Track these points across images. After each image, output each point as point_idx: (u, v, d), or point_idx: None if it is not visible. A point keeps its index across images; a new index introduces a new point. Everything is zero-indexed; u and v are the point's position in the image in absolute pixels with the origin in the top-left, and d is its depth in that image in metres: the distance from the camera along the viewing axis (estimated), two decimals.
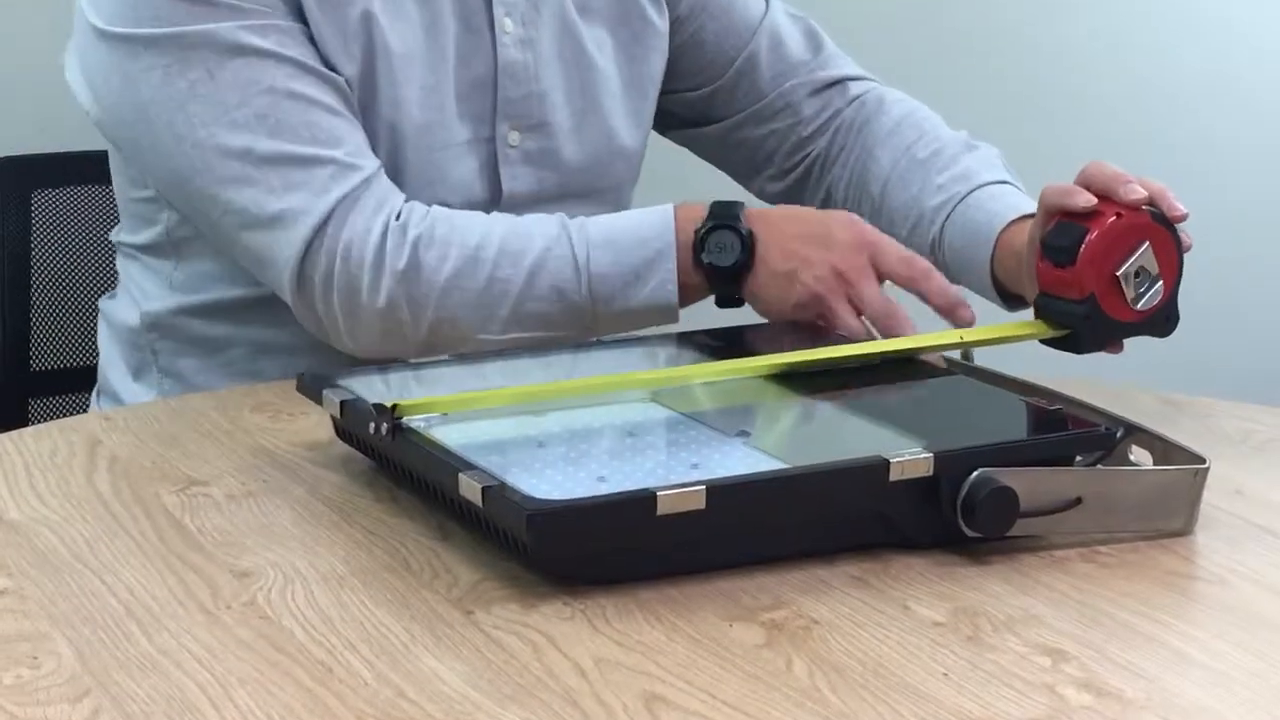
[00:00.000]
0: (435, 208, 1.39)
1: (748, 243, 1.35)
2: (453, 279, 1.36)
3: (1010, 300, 1.43)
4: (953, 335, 1.28)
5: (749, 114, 1.61)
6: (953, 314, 1.31)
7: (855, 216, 1.37)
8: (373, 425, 1.10)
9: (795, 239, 1.35)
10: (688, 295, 1.38)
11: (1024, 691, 0.88)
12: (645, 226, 1.37)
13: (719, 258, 1.36)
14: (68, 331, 1.78)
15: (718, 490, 1.00)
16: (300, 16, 1.39)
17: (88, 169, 1.73)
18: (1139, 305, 1.26)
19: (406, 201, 1.39)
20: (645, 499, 0.98)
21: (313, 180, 1.36)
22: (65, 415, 1.70)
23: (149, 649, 0.93)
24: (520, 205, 1.47)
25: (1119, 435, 1.12)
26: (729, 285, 1.37)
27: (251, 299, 1.46)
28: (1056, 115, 2.64)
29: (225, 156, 1.36)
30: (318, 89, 1.37)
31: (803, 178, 1.61)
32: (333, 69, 1.39)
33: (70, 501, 1.14)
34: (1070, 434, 1.11)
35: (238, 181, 1.36)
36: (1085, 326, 1.26)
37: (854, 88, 1.60)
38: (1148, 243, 1.25)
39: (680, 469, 1.08)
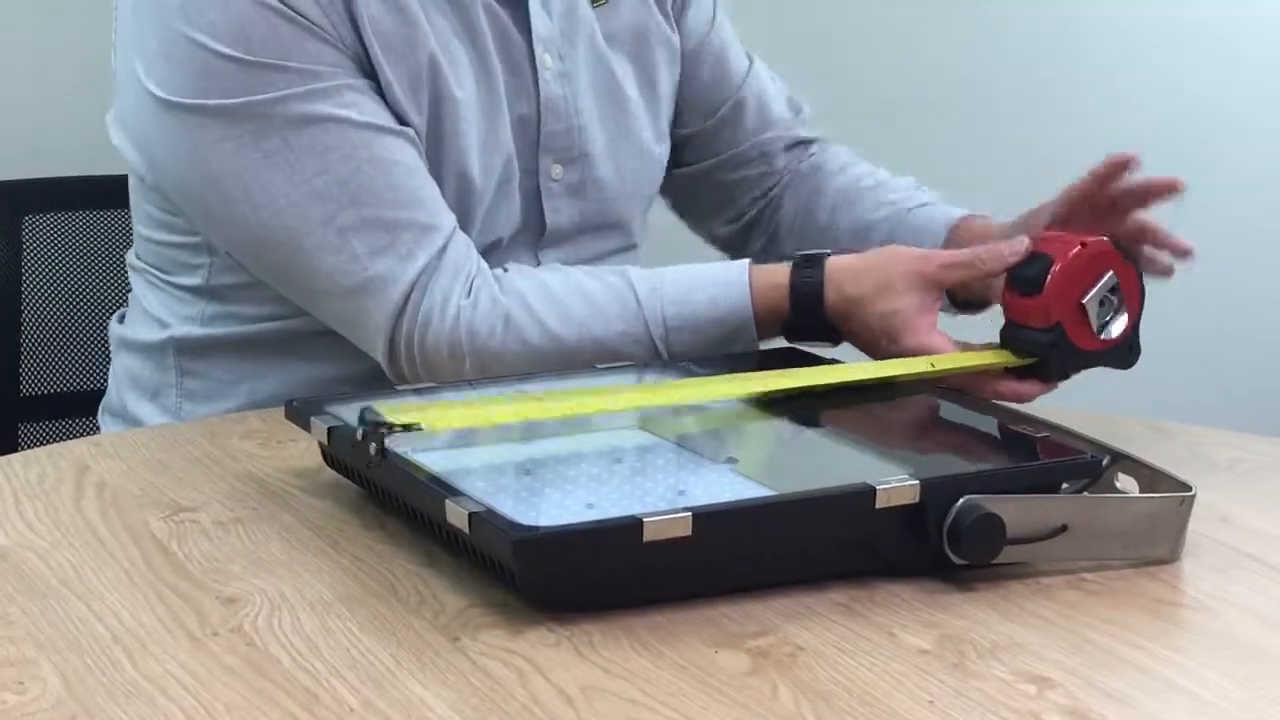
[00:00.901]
0: (511, 275, 1.39)
1: (820, 313, 1.35)
2: (531, 364, 1.36)
3: (958, 305, 1.46)
4: (922, 363, 1.28)
5: (725, 158, 1.64)
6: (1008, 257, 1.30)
7: (900, 252, 1.36)
8: (359, 434, 1.09)
9: (874, 319, 1.33)
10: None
11: (1009, 719, 0.88)
12: (722, 304, 1.37)
13: (798, 336, 1.37)
14: (58, 357, 1.78)
15: (704, 517, 1.00)
16: (369, 70, 1.39)
17: (79, 194, 1.74)
18: (1103, 334, 1.29)
19: (478, 260, 1.39)
20: (632, 526, 0.98)
21: (398, 245, 1.36)
22: (55, 441, 1.69)
23: (135, 675, 0.93)
24: (563, 237, 1.50)
25: (1105, 463, 1.13)
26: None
27: (290, 332, 1.46)
28: (1053, 121, 2.65)
29: (309, 225, 1.36)
30: (395, 148, 1.37)
31: (754, 221, 1.66)
32: (403, 120, 1.39)
33: (58, 528, 1.14)
34: (1056, 462, 1.11)
35: (322, 250, 1.36)
36: (1052, 354, 1.29)
37: (815, 146, 1.66)
38: (1112, 271, 1.28)
39: (667, 495, 1.08)
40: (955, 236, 1.51)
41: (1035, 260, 1.29)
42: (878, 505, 1.03)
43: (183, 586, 1.05)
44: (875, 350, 1.34)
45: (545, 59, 1.47)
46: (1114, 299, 1.29)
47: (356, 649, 0.96)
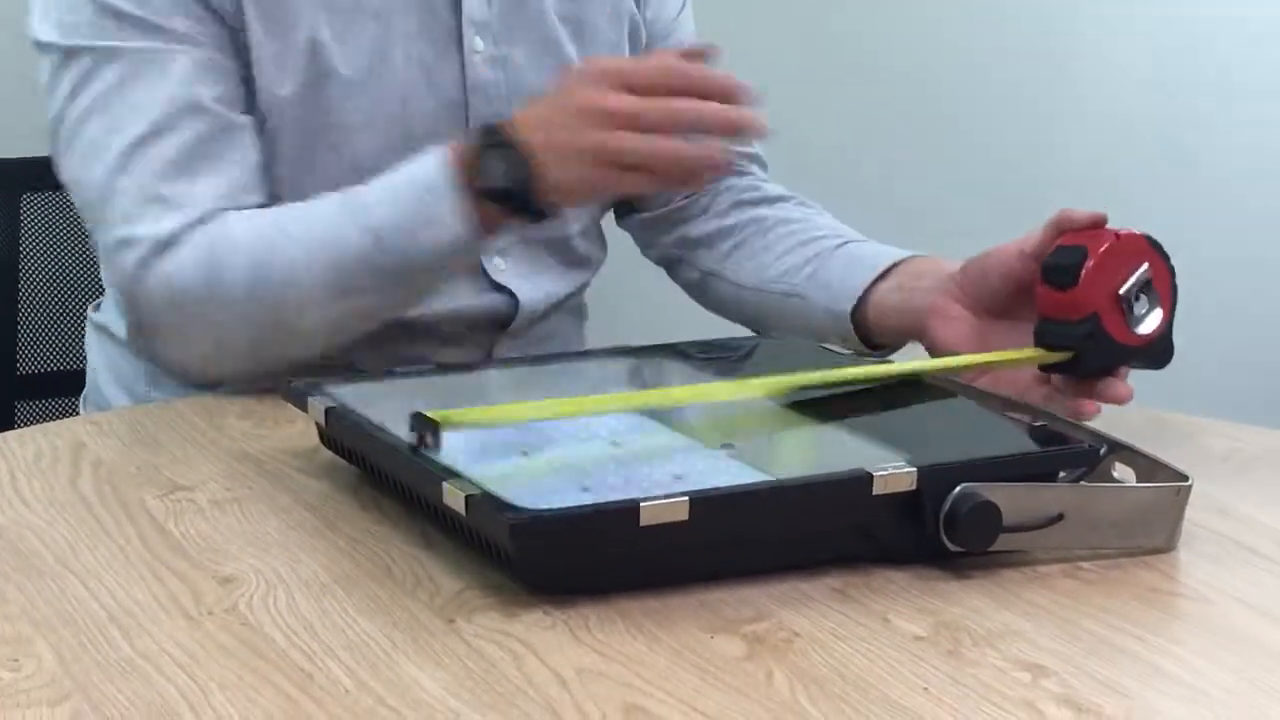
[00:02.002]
0: (214, 223, 1.35)
1: (513, 158, 1.28)
2: (252, 268, 1.33)
3: (873, 347, 1.46)
4: (952, 362, 1.27)
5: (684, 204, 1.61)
6: (733, 92, 1.25)
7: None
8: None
9: (545, 107, 1.29)
10: (489, 226, 1.32)
11: (1003, 706, 0.89)
12: (417, 169, 1.32)
13: (494, 177, 1.29)
14: (55, 335, 1.79)
15: (700, 502, 1.00)
16: (234, 48, 1.38)
17: None
18: (1139, 329, 1.26)
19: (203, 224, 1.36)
20: (629, 510, 0.98)
21: (161, 213, 1.34)
22: (52, 419, 1.69)
23: (130, 653, 0.93)
24: None
25: (1103, 452, 1.13)
26: (525, 205, 1.30)
27: None
28: (1050, 124, 2.65)
29: (99, 174, 1.36)
30: (203, 124, 1.36)
31: (683, 219, 1.63)
32: (268, 91, 1.39)
33: (54, 506, 1.14)
34: (1054, 450, 1.11)
35: (106, 203, 1.36)
36: (1088, 346, 1.26)
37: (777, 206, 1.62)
38: (1147, 265, 1.26)
39: (664, 481, 1.08)
40: (901, 273, 1.45)
41: (1069, 252, 1.26)
42: (874, 491, 1.03)
43: (178, 565, 1.05)
44: (569, 173, 1.28)
45: (475, 42, 1.45)
46: (1149, 294, 1.27)
47: (352, 630, 0.96)
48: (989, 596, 1.02)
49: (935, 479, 1.04)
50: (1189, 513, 1.11)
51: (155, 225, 1.33)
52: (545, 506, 1.00)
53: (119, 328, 1.52)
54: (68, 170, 1.40)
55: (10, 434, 1.29)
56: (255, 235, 1.33)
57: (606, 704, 0.88)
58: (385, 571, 1.04)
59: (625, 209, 1.65)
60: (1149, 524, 1.09)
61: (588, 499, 1.04)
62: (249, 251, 1.33)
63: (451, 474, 1.03)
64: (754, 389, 1.21)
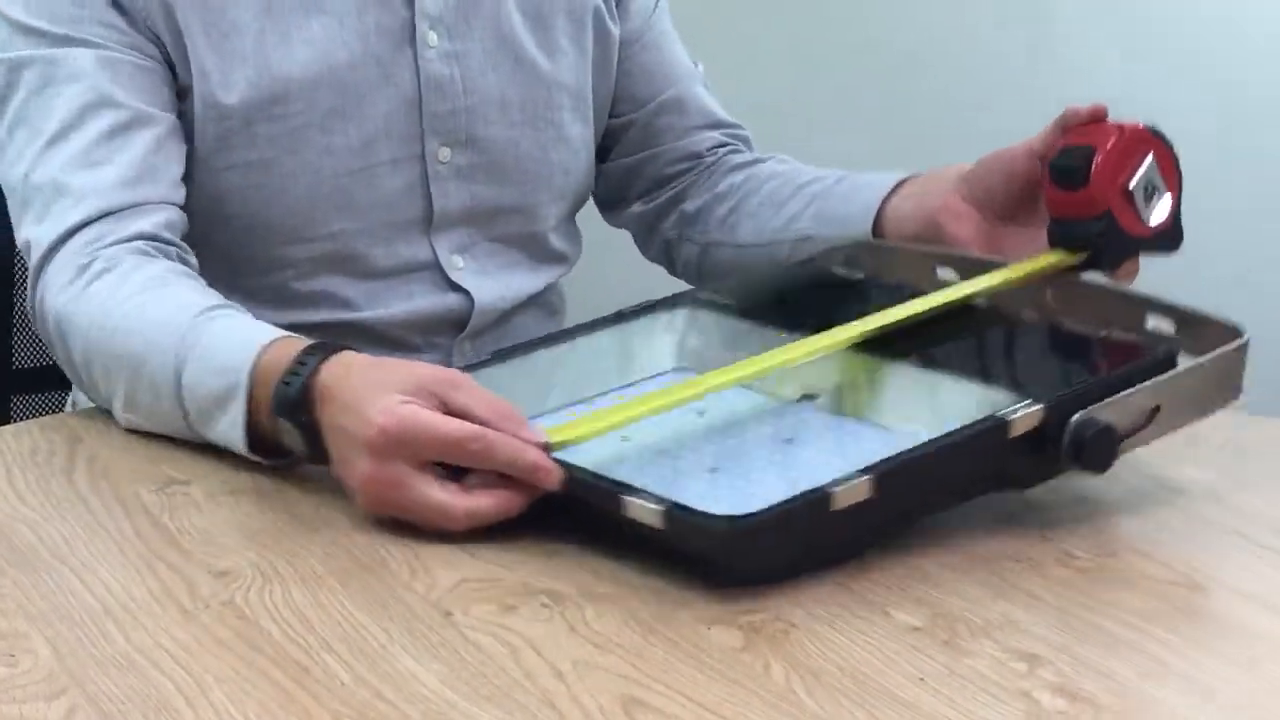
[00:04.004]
0: (126, 261, 1.29)
1: (310, 436, 1.13)
2: (85, 350, 1.27)
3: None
4: (985, 280, 1.27)
5: (666, 150, 1.60)
6: (534, 478, 1.07)
7: (391, 387, 1.09)
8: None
9: (336, 434, 1.11)
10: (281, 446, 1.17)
11: (999, 697, 0.89)
12: (233, 353, 1.18)
13: (292, 444, 1.15)
14: None
15: (882, 477, 1.02)
16: (161, 48, 1.36)
17: None
18: (1150, 219, 1.28)
19: (130, 241, 1.30)
20: (821, 498, 1.01)
21: (59, 209, 1.31)
22: (47, 413, 1.69)
23: (126, 647, 0.93)
24: (454, 221, 1.45)
25: (1178, 352, 1.16)
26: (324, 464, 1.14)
27: None
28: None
29: (16, 178, 1.35)
30: (107, 117, 1.33)
31: (679, 197, 1.61)
32: (213, 99, 1.36)
33: (49, 500, 1.14)
34: (1144, 363, 1.14)
35: (21, 207, 1.35)
36: (1104, 244, 1.28)
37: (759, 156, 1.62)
38: (1152, 155, 1.28)
39: (781, 447, 1.13)
40: (907, 186, 1.45)
41: (1075, 151, 1.27)
42: (1010, 435, 1.06)
43: (174, 559, 1.05)
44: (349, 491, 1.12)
45: (429, 36, 1.42)
46: (1156, 182, 1.28)
47: (348, 623, 0.96)
48: (985, 587, 1.02)
49: (1059, 412, 1.07)
50: (1184, 501, 1.11)
51: (53, 225, 1.31)
52: (744, 511, 1.00)
53: None
54: (4, 184, 1.39)
55: (6, 428, 1.28)
56: (100, 314, 1.26)
57: (603, 696, 0.88)
58: (381, 564, 1.04)
59: (619, 206, 1.64)
60: (1222, 386, 1.14)
61: (724, 482, 1.08)
62: (86, 332, 1.27)
63: (625, 487, 1.04)
64: (840, 341, 1.21)
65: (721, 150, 1.61)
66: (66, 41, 1.34)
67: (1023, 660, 0.93)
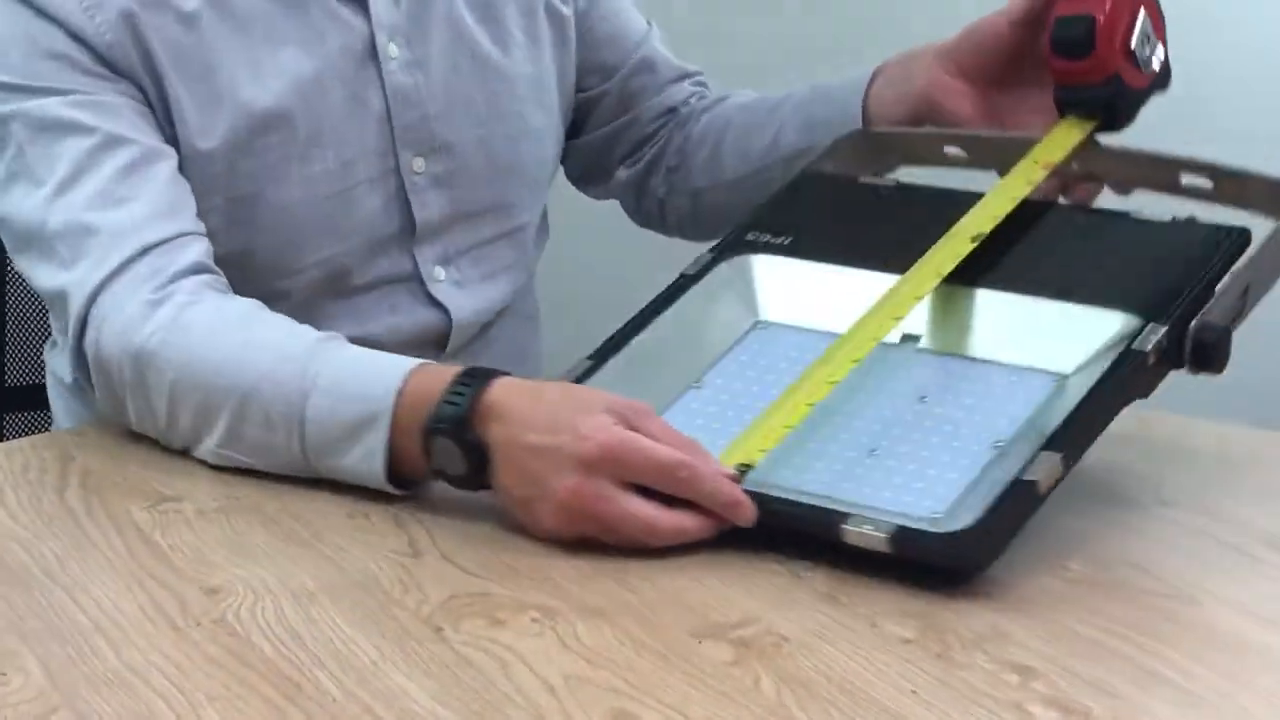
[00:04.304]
0: (206, 293, 1.26)
1: (474, 455, 1.11)
2: (175, 386, 1.23)
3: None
4: (1027, 173, 1.27)
5: (631, 118, 1.60)
6: (729, 514, 1.08)
7: (596, 407, 1.10)
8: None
9: (528, 452, 1.09)
10: (420, 476, 1.16)
11: (991, 709, 0.88)
12: (371, 382, 1.17)
13: (447, 465, 1.13)
14: (43, 348, 1.78)
15: (1069, 452, 1.06)
16: (145, 94, 1.34)
17: None
18: (1149, 69, 1.30)
19: (191, 274, 1.28)
20: (1028, 488, 1.04)
21: (92, 250, 1.28)
22: (40, 431, 1.69)
23: (117, 665, 0.93)
24: (437, 230, 1.45)
25: (1250, 232, 1.19)
26: (473, 489, 1.13)
27: None
28: None
29: (28, 229, 1.32)
30: (122, 155, 1.31)
31: (657, 156, 1.61)
32: (190, 145, 1.35)
33: (41, 518, 1.14)
34: (1230, 250, 1.17)
35: (42, 256, 1.31)
36: (1116, 105, 1.30)
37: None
38: (1143, 8, 1.30)
39: (920, 409, 1.14)
40: (886, 72, 1.45)
41: (1074, 21, 1.29)
42: (1149, 363, 1.11)
43: (165, 576, 1.04)
44: (524, 512, 1.11)
45: (390, 48, 1.41)
46: (1149, 33, 1.30)
47: (339, 639, 0.96)
48: (977, 598, 1.02)
49: (1178, 326, 1.12)
50: (1176, 513, 1.12)
51: (93, 267, 1.27)
52: (967, 522, 1.03)
53: (61, 371, 1.49)
54: (8, 238, 1.36)
55: None
56: (202, 347, 1.22)
57: (594, 710, 0.88)
58: (373, 580, 1.04)
59: (603, 177, 1.64)
60: None
61: (894, 467, 1.10)
62: (183, 367, 1.22)
63: (840, 513, 1.05)
64: (940, 270, 1.20)
65: (693, 99, 1.61)
66: (54, 93, 1.32)
67: (1015, 672, 0.92)
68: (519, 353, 1.56)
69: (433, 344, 1.47)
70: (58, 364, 1.51)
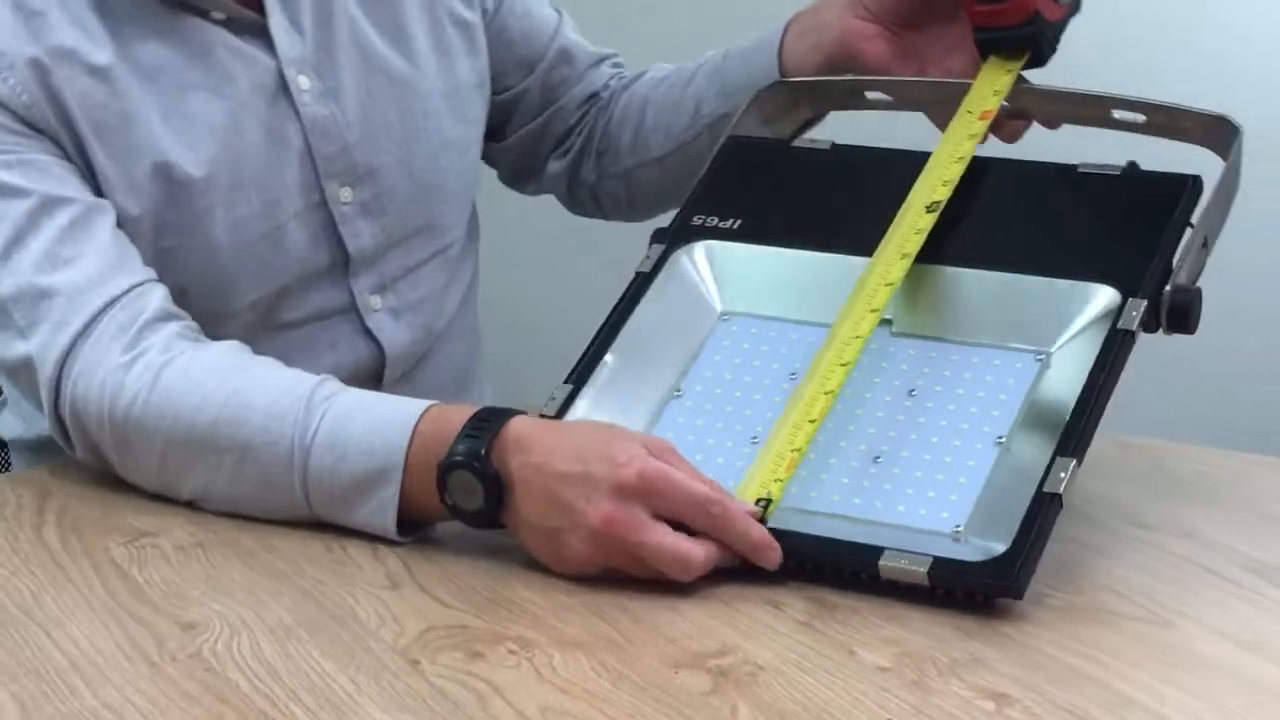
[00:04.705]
0: (177, 345, 1.24)
1: (493, 487, 1.10)
2: (166, 451, 1.21)
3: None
4: (966, 127, 1.26)
5: (558, 108, 1.60)
6: (756, 556, 1.08)
7: (628, 439, 1.10)
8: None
9: (558, 480, 1.08)
10: (431, 517, 1.16)
11: None
12: (378, 435, 1.15)
13: (463, 500, 1.11)
14: None
15: (1080, 448, 1.07)
16: (66, 152, 1.32)
17: None
18: (1062, 1, 1.31)
19: (158, 317, 1.26)
20: (1053, 500, 1.05)
21: (52, 313, 1.25)
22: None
23: (93, 703, 0.93)
24: (371, 259, 1.44)
25: (1202, 179, 1.19)
26: (485, 526, 1.12)
27: None
28: None
29: None
30: (62, 215, 1.28)
31: (587, 139, 1.61)
32: (114, 203, 1.32)
33: (18, 555, 1.14)
34: (1188, 201, 1.18)
35: None
36: (1040, 42, 1.30)
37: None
38: None
39: (910, 405, 1.14)
40: (796, 25, 1.44)
41: None
42: (1135, 340, 1.12)
43: (142, 612, 1.04)
44: (547, 544, 1.09)
45: (300, 81, 1.40)
46: None
47: (315, 673, 0.96)
48: (953, 625, 1.02)
49: (1154, 293, 1.13)
50: (1153, 536, 1.12)
51: (53, 332, 1.24)
52: (1000, 547, 1.04)
53: (16, 431, 1.49)
54: None
55: None
56: (187, 409, 1.20)
57: None
58: (349, 614, 1.04)
59: (535, 173, 1.64)
60: (1232, 188, 1.19)
61: (906, 477, 1.10)
62: (170, 431, 1.20)
63: (869, 547, 1.05)
64: (909, 250, 1.19)
65: (612, 81, 1.61)
66: None
67: (991, 699, 0.92)
68: (460, 373, 1.56)
69: (371, 376, 1.46)
70: (10, 428, 1.51)
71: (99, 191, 1.32)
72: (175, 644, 1.00)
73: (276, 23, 1.39)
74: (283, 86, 1.39)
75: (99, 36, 1.33)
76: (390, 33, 1.46)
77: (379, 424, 1.16)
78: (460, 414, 1.13)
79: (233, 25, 1.38)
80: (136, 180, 1.33)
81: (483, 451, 1.10)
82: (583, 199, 1.64)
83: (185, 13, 1.36)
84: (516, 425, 1.11)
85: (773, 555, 1.07)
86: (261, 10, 1.39)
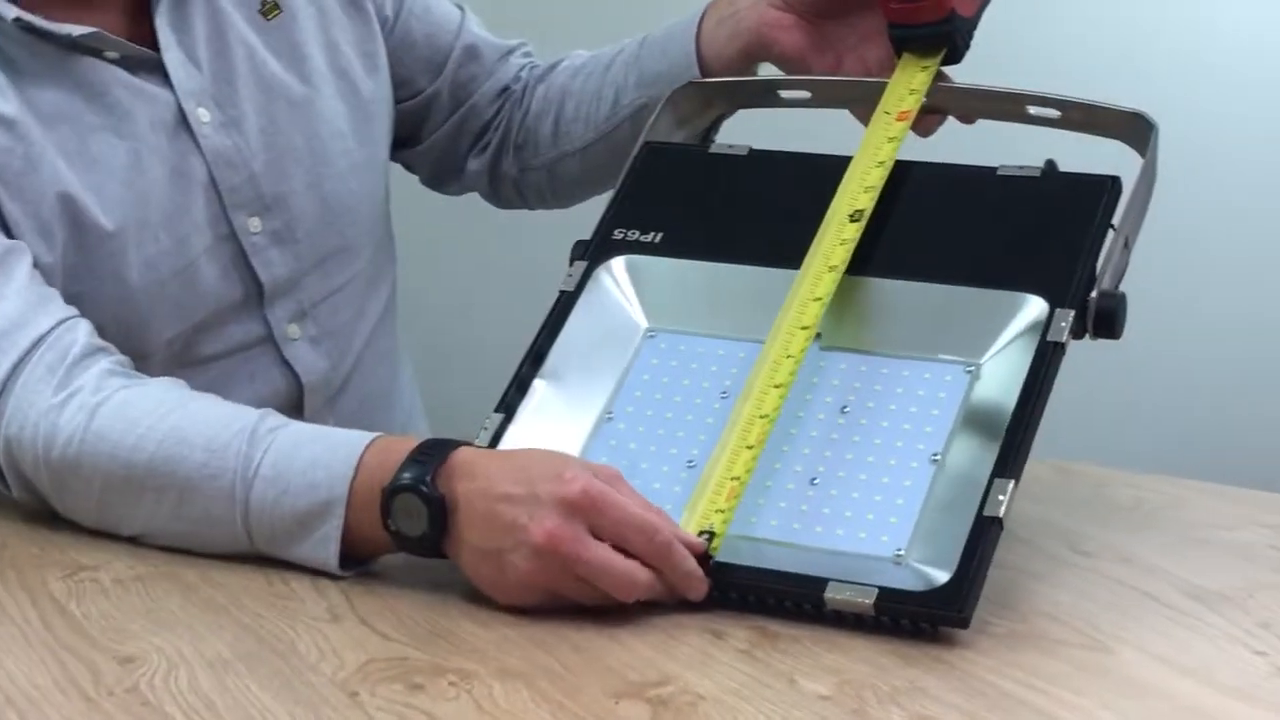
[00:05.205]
0: (109, 384, 1.22)
1: (438, 511, 1.09)
2: (104, 491, 1.20)
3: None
4: (884, 130, 1.26)
5: (472, 104, 1.59)
6: (684, 586, 1.08)
7: (574, 462, 1.10)
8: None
9: (502, 500, 1.08)
10: (374, 550, 1.15)
11: None
12: (321, 467, 1.14)
13: (406, 525, 1.10)
14: None
15: (1017, 474, 1.07)
16: None
17: None
18: None
19: (85, 354, 1.24)
20: (994, 524, 1.05)
21: None
22: None
23: None
24: (285, 288, 1.43)
25: (1120, 179, 1.20)
26: (428, 553, 1.11)
27: None
28: None
29: None
30: None
31: (505, 134, 1.61)
32: (31, 252, 1.31)
33: None
34: (1107, 206, 1.18)
35: None
36: (956, 38, 1.30)
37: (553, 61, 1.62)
38: None
39: (845, 429, 1.14)
40: (713, 13, 1.45)
41: None
42: (1065, 353, 1.12)
43: (79, 646, 1.03)
44: (490, 566, 1.09)
45: (200, 113, 1.39)
46: None
47: (254, 706, 0.95)
48: (894, 653, 1.02)
49: (1080, 300, 1.13)
50: (1092, 562, 1.12)
51: None
52: (943, 574, 1.04)
53: None
54: None
55: None
56: (125, 450, 1.19)
57: None
58: (289, 647, 1.03)
59: (456, 173, 1.63)
60: (1151, 182, 1.20)
61: (843, 498, 1.10)
62: (109, 473, 1.19)
63: (813, 579, 1.05)
64: (836, 264, 1.19)
65: (523, 73, 1.61)
66: None
67: None
68: (382, 397, 1.55)
69: (292, 407, 1.45)
70: None
71: (11, 238, 1.31)
72: (112, 678, 0.99)
73: (171, 57, 1.38)
74: (182, 120, 1.38)
75: (2, 87, 1.32)
76: (288, 58, 1.45)
77: (323, 457, 1.15)
78: (406, 444, 1.13)
79: (128, 63, 1.37)
80: (46, 225, 1.32)
81: (429, 476, 1.09)
82: (506, 193, 1.64)
83: (80, 55, 1.35)
84: (462, 452, 1.11)
85: (700, 588, 1.08)
86: (156, 46, 1.38)
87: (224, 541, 1.18)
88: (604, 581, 1.06)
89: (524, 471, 1.09)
